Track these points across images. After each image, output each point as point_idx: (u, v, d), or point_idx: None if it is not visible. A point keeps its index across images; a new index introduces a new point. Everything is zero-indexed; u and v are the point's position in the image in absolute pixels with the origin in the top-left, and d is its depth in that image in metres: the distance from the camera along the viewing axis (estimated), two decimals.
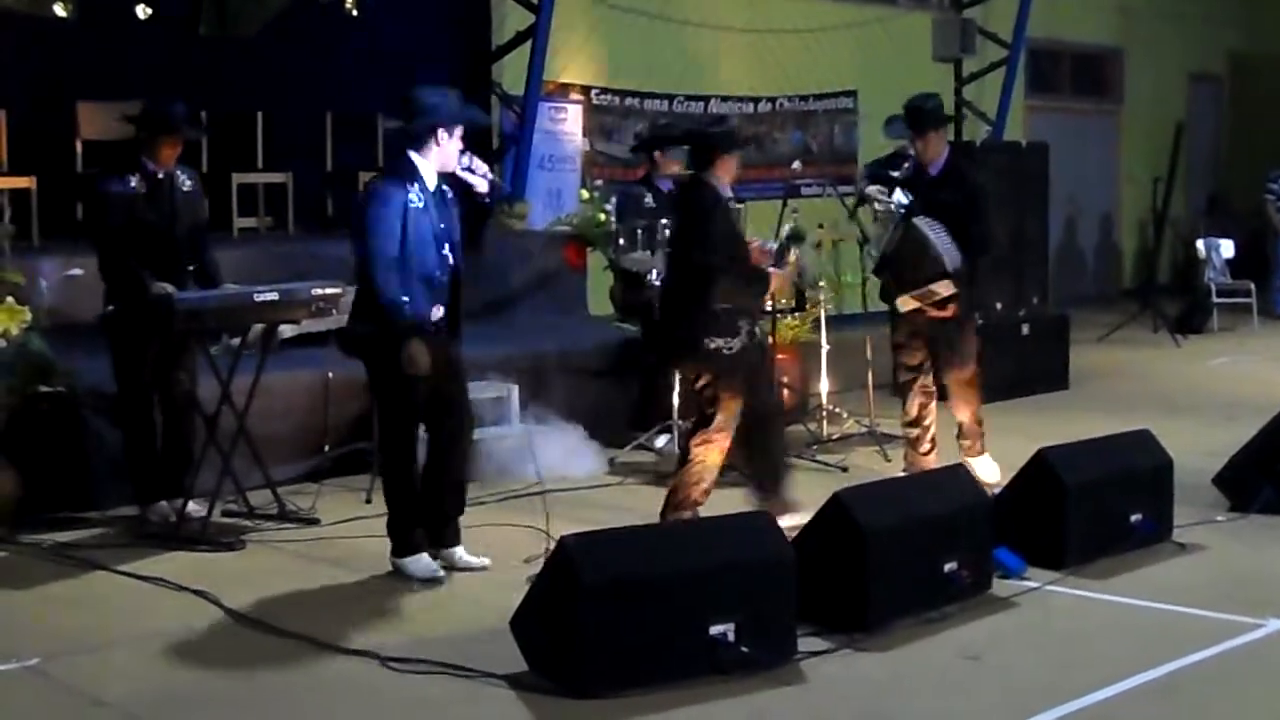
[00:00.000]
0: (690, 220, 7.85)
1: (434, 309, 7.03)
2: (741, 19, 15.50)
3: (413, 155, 7.01)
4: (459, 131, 7.05)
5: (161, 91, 8.36)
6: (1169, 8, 20.48)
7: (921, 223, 8.67)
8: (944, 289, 8.70)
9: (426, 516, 7.18)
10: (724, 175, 7.79)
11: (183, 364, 8.12)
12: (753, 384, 7.73)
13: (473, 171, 7.16)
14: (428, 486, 7.17)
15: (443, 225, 7.02)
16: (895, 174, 8.92)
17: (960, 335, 8.92)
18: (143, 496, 8.18)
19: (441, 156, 7.03)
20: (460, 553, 7.26)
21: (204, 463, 8.08)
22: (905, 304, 8.84)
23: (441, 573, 7.10)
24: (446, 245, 7.03)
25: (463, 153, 7.11)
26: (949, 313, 8.79)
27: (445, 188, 7.11)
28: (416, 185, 6.96)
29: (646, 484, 9.17)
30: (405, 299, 6.84)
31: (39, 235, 10.39)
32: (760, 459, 7.87)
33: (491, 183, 7.26)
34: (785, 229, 8.77)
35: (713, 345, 7.56)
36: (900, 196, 8.79)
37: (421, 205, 6.93)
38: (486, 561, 7.26)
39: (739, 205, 10.71)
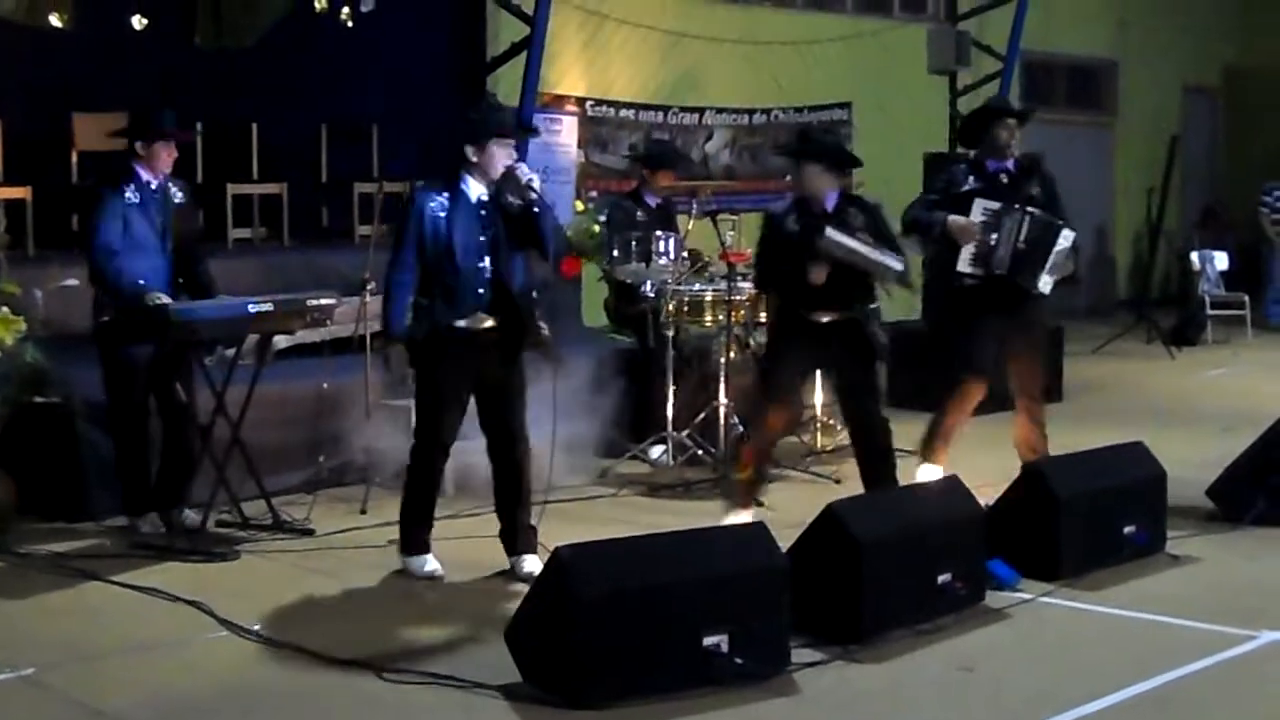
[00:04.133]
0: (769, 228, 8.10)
1: (471, 318, 7.14)
2: (736, 31, 15.53)
3: (462, 168, 7.19)
4: (496, 144, 7.14)
5: (157, 102, 8.37)
6: (1163, 20, 20.52)
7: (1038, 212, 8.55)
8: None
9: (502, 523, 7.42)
10: (808, 186, 7.89)
11: (178, 375, 8.12)
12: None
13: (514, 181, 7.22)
14: (496, 494, 7.45)
15: (482, 237, 7.14)
16: (966, 187, 8.61)
17: None
18: (132, 507, 8.17)
19: (481, 168, 7.15)
20: (527, 562, 7.29)
21: (198, 473, 8.09)
22: (1048, 285, 8.64)
23: (439, 571, 7.29)
24: (487, 256, 7.15)
25: (512, 165, 7.18)
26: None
27: (508, 201, 7.21)
28: (445, 195, 7.11)
29: (641, 495, 9.17)
30: (424, 300, 7.12)
31: (34, 245, 10.39)
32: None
33: (539, 194, 7.22)
34: None
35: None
36: (985, 205, 8.47)
37: (444, 214, 7.08)
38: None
39: (734, 217, 10.81)
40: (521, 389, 7.36)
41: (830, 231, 7.65)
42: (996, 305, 8.55)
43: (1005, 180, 8.63)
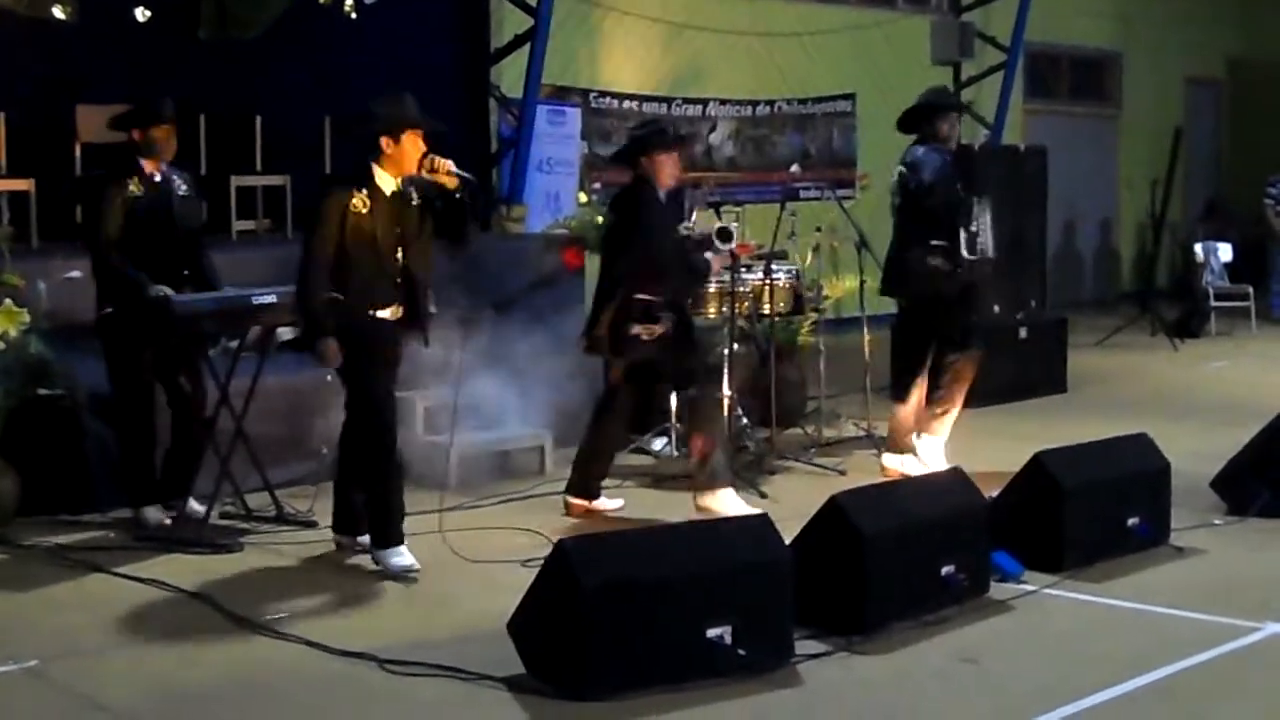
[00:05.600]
0: (619, 218, 8.31)
1: (384, 309, 7.21)
2: (740, 22, 15.52)
3: (371, 161, 7.19)
4: (412, 136, 7.16)
5: (160, 94, 8.36)
6: (1167, 12, 20.52)
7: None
8: None
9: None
10: (657, 173, 8.13)
11: (184, 367, 8.12)
12: (679, 367, 8.23)
13: (435, 171, 7.18)
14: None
15: (397, 229, 7.19)
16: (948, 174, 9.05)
17: None
18: (136, 499, 8.17)
19: (395, 160, 7.18)
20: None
21: (202, 465, 8.09)
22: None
23: (415, 566, 7.18)
24: (399, 249, 7.21)
25: (426, 155, 7.18)
26: None
27: (410, 191, 7.24)
28: (364, 190, 7.12)
29: (644, 486, 9.17)
30: (337, 296, 7.10)
31: (38, 237, 10.38)
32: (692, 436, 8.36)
33: (462, 179, 7.20)
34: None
35: (631, 333, 8.02)
36: None
37: (365, 210, 7.09)
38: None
39: (737, 208, 10.80)
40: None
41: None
42: (962, 284, 9.07)
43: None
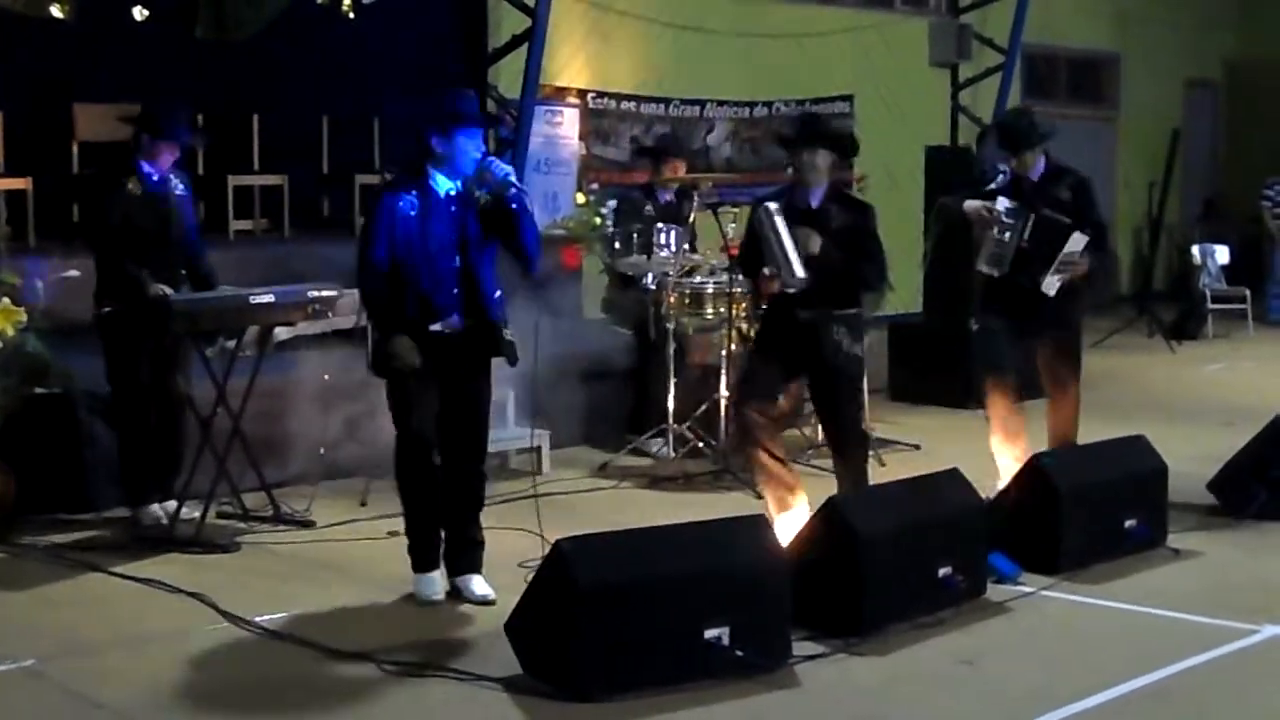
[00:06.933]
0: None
1: (441, 320, 6.71)
2: (737, 23, 15.50)
3: (426, 162, 6.75)
4: (463, 135, 6.70)
5: (157, 93, 8.36)
6: (1165, 14, 20.50)
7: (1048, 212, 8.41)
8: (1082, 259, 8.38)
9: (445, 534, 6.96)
10: (805, 175, 7.69)
11: (177, 366, 8.12)
12: None
13: (483, 177, 6.76)
14: (446, 506, 6.92)
15: (455, 233, 6.72)
16: (991, 186, 8.64)
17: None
18: (135, 498, 8.17)
19: (448, 160, 6.71)
20: (475, 583, 6.87)
21: (199, 465, 8.08)
22: (1053, 285, 8.34)
23: (439, 597, 6.84)
24: (457, 254, 6.72)
25: (485, 157, 6.79)
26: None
27: (477, 194, 6.75)
28: (414, 192, 6.69)
29: (641, 487, 9.17)
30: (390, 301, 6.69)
31: (35, 236, 10.39)
32: None
33: (512, 184, 6.75)
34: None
35: None
36: (1006, 204, 8.43)
37: (415, 212, 6.65)
38: (491, 595, 6.80)
39: (735, 209, 10.80)
40: (488, 400, 6.96)
41: (772, 206, 7.49)
42: (1013, 304, 8.45)
43: (1030, 185, 8.56)
